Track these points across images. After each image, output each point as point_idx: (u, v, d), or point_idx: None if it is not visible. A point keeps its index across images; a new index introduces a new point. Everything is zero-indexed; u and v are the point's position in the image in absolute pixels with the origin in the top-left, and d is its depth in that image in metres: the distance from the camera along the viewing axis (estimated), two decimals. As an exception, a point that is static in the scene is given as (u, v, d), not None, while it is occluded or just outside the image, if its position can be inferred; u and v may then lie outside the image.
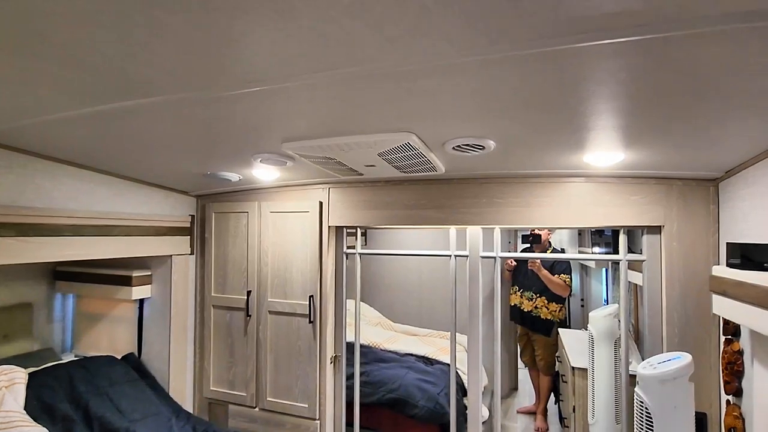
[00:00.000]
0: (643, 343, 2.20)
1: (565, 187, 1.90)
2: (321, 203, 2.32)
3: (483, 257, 2.13)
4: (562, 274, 3.26)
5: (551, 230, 3.61)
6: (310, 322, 2.29)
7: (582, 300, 4.68)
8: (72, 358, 2.55)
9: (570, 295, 5.01)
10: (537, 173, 1.89)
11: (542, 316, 3.37)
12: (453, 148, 1.52)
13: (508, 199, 1.98)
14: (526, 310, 3.42)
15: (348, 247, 2.43)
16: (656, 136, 1.32)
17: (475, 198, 2.04)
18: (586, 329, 4.09)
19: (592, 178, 1.86)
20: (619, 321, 2.34)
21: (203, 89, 1.08)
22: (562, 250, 5.07)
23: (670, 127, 1.23)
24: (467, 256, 2.15)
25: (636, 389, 1.37)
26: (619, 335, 2.26)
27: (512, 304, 3.55)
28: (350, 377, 2.45)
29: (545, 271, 3.23)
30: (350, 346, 2.44)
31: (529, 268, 3.28)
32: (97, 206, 1.98)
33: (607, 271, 3.75)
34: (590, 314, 2.38)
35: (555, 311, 3.38)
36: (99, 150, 1.71)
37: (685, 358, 1.30)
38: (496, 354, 2.14)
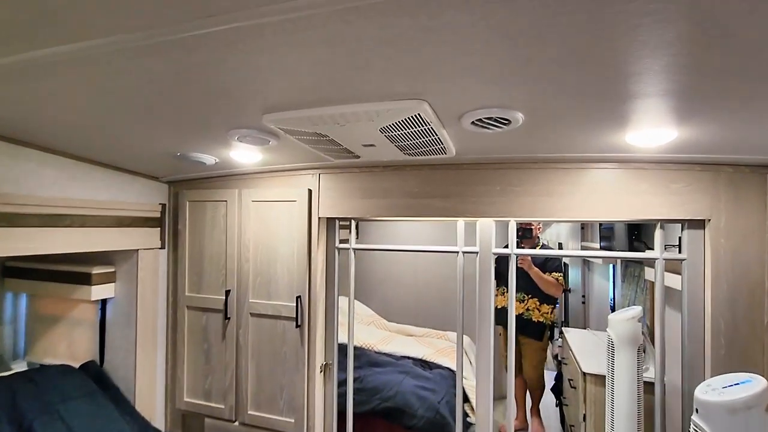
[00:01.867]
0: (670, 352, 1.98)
1: (593, 174, 1.65)
2: (310, 191, 2.04)
3: (496, 254, 1.88)
4: (554, 272, 2.98)
5: (541, 224, 3.35)
6: (297, 326, 2.01)
7: (583, 297, 4.49)
8: (24, 366, 2.24)
9: (568, 290, 4.80)
10: (562, 157, 1.63)
11: (534, 319, 3.08)
12: (472, 122, 1.25)
13: (527, 187, 1.72)
14: (516, 312, 3.09)
15: (340, 241, 2.15)
16: (727, 105, 1.06)
17: (488, 186, 1.78)
18: (588, 329, 3.90)
19: (626, 164, 1.61)
20: (646, 326, 2.13)
21: (147, 27, 0.79)
22: (560, 246, 4.86)
23: (751, 91, 0.97)
24: (477, 253, 1.89)
25: (694, 418, 1.13)
26: (643, 342, 2.04)
27: (498, 307, 3.14)
28: (342, 383, 2.19)
29: (536, 269, 2.93)
30: (342, 348, 2.17)
31: (519, 266, 2.90)
32: (43, 191, 1.66)
33: (614, 267, 3.53)
34: (610, 317, 2.14)
35: (547, 313, 3.09)
36: (37, 121, 1.39)
37: (759, 382, 1.07)
38: (510, 361, 1.90)
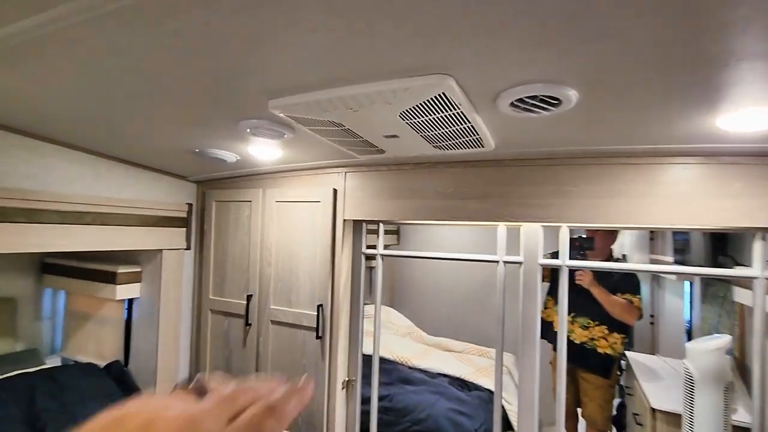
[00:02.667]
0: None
1: (672, 171, 1.33)
2: (335, 191, 1.87)
3: (543, 265, 1.60)
4: (626, 293, 2.32)
5: (617, 234, 2.79)
6: (318, 337, 1.85)
7: (651, 317, 3.95)
8: (58, 361, 2.27)
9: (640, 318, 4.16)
10: (630, 150, 1.34)
11: (599, 350, 2.42)
12: (511, 104, 1.02)
13: (584, 187, 1.44)
14: (577, 341, 2.45)
15: (368, 247, 1.96)
16: None
17: (536, 185, 1.51)
18: (657, 354, 3.40)
19: (715, 158, 1.28)
20: (733, 358, 1.74)
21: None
22: (623, 258, 4.34)
23: None
24: (521, 263, 1.63)
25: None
26: (732, 379, 1.66)
27: (555, 329, 2.25)
28: (367, 400, 1.98)
29: (600, 288, 2.32)
30: (369, 361, 1.95)
31: (577, 283, 2.33)
32: (63, 187, 1.63)
33: (691, 285, 3.05)
34: (689, 346, 1.77)
35: (616, 343, 2.41)
36: (51, 113, 1.34)
37: None
38: (560, 390, 1.61)
